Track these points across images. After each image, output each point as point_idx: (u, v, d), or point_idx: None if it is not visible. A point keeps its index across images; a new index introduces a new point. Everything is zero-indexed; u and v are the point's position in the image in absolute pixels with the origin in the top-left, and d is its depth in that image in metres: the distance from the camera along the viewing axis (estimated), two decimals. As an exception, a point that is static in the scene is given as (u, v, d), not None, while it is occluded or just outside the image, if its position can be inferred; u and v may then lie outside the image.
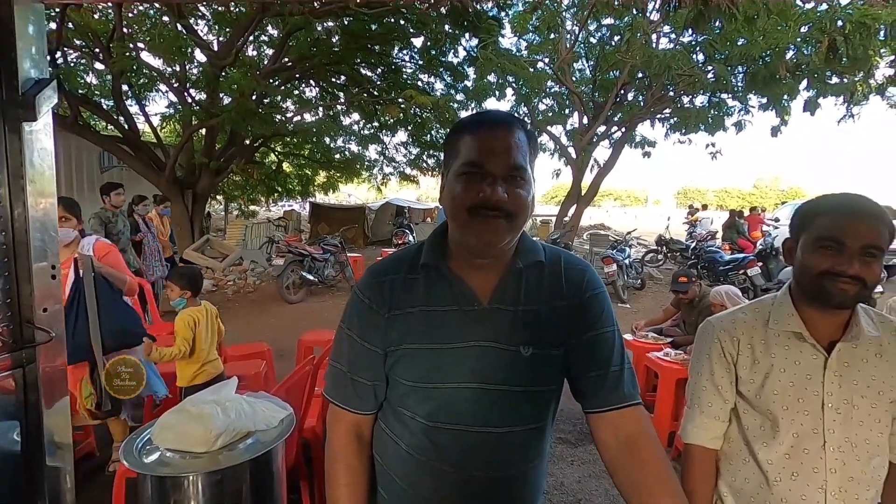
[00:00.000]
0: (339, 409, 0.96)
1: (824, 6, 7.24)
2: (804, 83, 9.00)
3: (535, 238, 1.01)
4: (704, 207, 17.31)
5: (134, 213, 5.52)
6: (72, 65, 9.21)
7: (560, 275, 0.95)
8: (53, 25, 7.52)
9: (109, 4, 8.28)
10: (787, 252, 1.08)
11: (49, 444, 1.03)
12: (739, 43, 8.42)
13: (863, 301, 1.00)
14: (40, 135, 0.97)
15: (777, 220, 12.73)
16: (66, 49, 8.72)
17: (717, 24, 7.30)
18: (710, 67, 9.16)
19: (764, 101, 9.74)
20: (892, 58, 8.35)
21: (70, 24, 7.87)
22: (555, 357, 0.92)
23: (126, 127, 9.20)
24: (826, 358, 1.01)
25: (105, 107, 9.56)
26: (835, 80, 8.86)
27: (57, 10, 7.30)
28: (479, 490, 0.91)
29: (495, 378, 0.89)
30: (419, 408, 0.91)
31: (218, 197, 14.68)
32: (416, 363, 0.90)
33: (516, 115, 0.95)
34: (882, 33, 7.08)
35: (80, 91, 8.78)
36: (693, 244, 10.63)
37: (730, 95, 10.16)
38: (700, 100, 10.59)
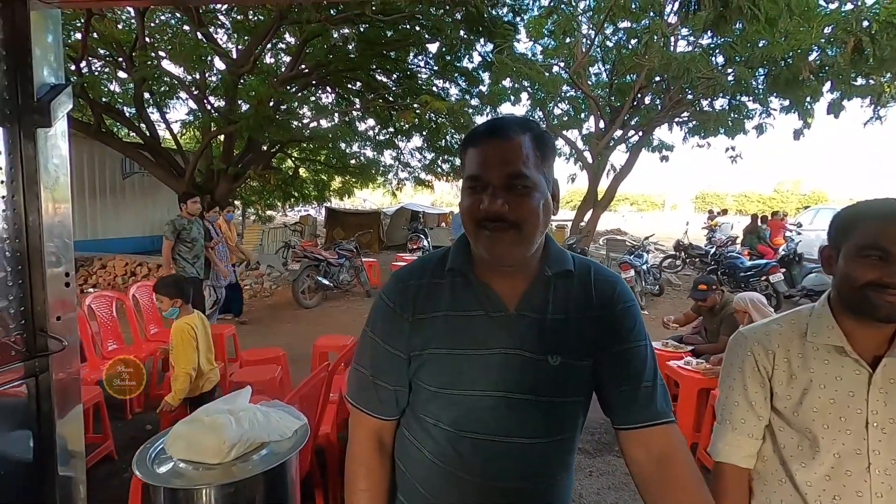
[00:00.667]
0: (361, 413, 0.95)
1: (849, 6, 7.06)
2: (828, 85, 8.78)
3: None
4: (724, 212, 17.00)
5: (205, 221, 5.64)
6: (96, 74, 9.44)
7: (590, 285, 0.93)
8: (79, 35, 7.72)
9: (132, 14, 8.48)
10: (825, 261, 1.02)
11: (61, 453, 1.02)
12: (760, 45, 8.25)
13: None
14: (56, 141, 0.96)
15: (800, 224, 12.42)
16: (90, 58, 8.94)
17: (738, 25, 7.16)
18: (730, 70, 8.99)
19: (786, 103, 9.53)
20: (922, 58, 8.08)
21: (95, 34, 8.07)
22: (583, 368, 0.89)
23: (147, 134, 9.39)
24: (870, 374, 0.95)
25: (127, 114, 9.77)
26: (860, 81, 8.62)
27: (82, 20, 7.50)
28: (503, 501, 0.89)
29: (520, 387, 0.86)
30: (442, 414, 0.89)
31: (236, 202, 14.88)
32: (439, 368, 0.89)
33: (529, 118, 0.93)
34: (910, 33, 6.86)
35: (103, 99, 8.99)
36: (713, 249, 10.42)
37: (750, 98, 9.96)
38: (720, 103, 10.40)
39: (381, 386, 0.93)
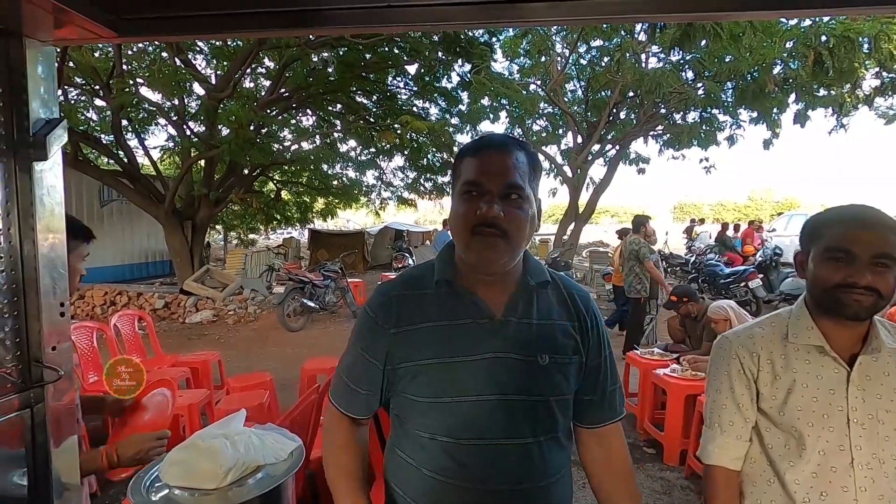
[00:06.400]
0: (339, 412, 1.03)
1: (808, 22, 7.42)
2: (793, 96, 9.16)
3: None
4: (702, 221, 17.45)
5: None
6: (72, 102, 9.33)
7: (566, 298, 1.01)
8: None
9: (109, 43, 8.45)
10: (798, 265, 1.08)
11: (57, 486, 1.00)
12: (727, 59, 8.59)
13: (878, 312, 1.00)
14: (50, 173, 0.97)
15: (773, 230, 12.80)
16: (66, 87, 8.86)
17: (703, 42, 7.46)
18: (699, 84, 9.32)
19: (754, 115, 9.88)
20: (877, 69, 8.52)
21: (71, 63, 8.01)
22: (571, 365, 0.95)
23: (126, 161, 9.28)
24: (848, 372, 1.00)
25: (105, 142, 9.66)
26: (823, 92, 9.01)
27: (57, 48, 7.45)
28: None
29: (513, 388, 0.90)
30: (438, 426, 0.90)
31: (217, 227, 14.70)
32: (431, 378, 0.91)
33: (521, 139, 1.01)
34: (866, 46, 7.25)
35: (80, 127, 8.88)
36: (692, 258, 10.64)
37: (720, 111, 10.31)
38: (691, 116, 10.74)
39: (354, 391, 0.99)
